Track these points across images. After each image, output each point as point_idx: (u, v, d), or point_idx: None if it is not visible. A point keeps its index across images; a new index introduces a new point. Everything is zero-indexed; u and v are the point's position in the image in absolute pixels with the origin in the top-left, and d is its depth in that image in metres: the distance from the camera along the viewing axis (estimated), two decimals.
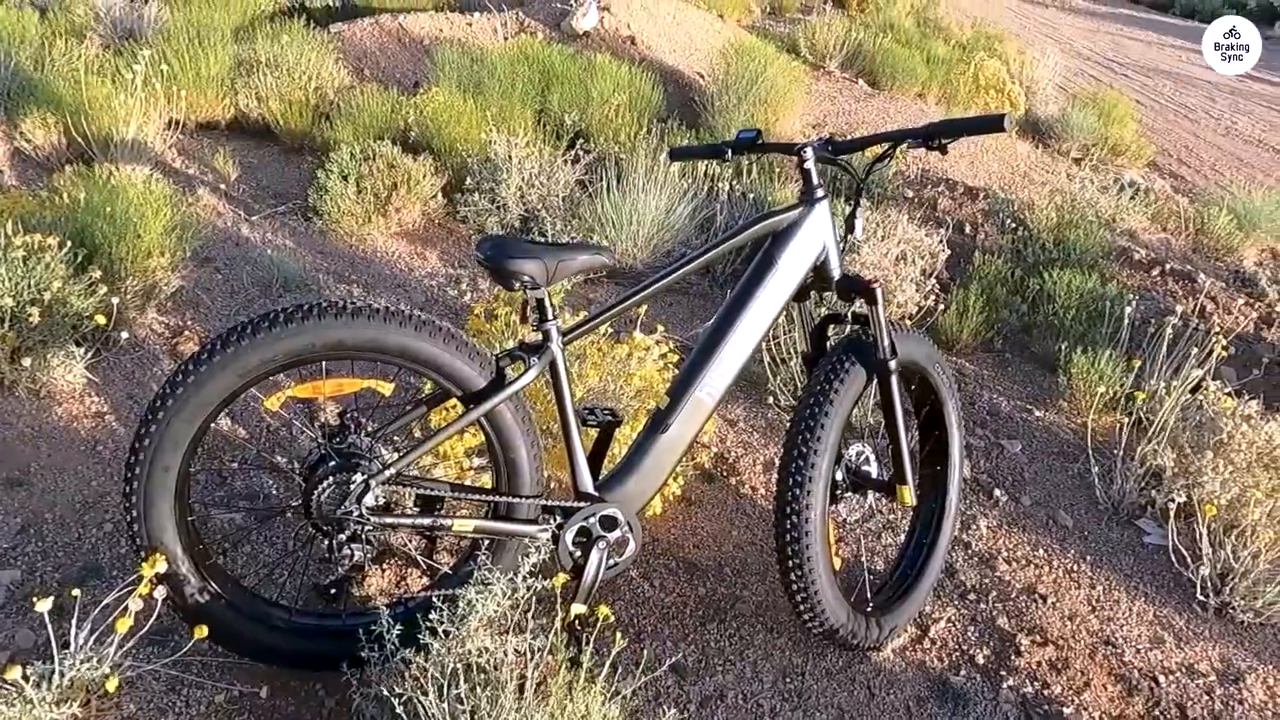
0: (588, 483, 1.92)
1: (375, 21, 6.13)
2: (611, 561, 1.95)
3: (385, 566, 2.21)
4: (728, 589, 2.37)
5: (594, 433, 2.01)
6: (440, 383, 1.79)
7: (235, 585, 1.85)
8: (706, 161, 4.41)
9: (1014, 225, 4.69)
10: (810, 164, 2.06)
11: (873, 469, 2.25)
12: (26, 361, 2.56)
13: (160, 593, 1.64)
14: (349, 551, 1.74)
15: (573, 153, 4.52)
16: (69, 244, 2.76)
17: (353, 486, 1.71)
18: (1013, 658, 2.26)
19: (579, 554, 1.92)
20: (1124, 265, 4.53)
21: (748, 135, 2.13)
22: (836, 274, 2.10)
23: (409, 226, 4.20)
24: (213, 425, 1.95)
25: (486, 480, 2.28)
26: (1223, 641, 2.41)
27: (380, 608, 1.72)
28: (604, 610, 1.67)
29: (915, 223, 4.13)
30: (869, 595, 2.28)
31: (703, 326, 2.84)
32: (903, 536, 2.49)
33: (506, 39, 6.12)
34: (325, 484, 1.71)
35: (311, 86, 4.93)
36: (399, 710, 1.52)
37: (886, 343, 2.05)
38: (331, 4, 6.99)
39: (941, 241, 4.00)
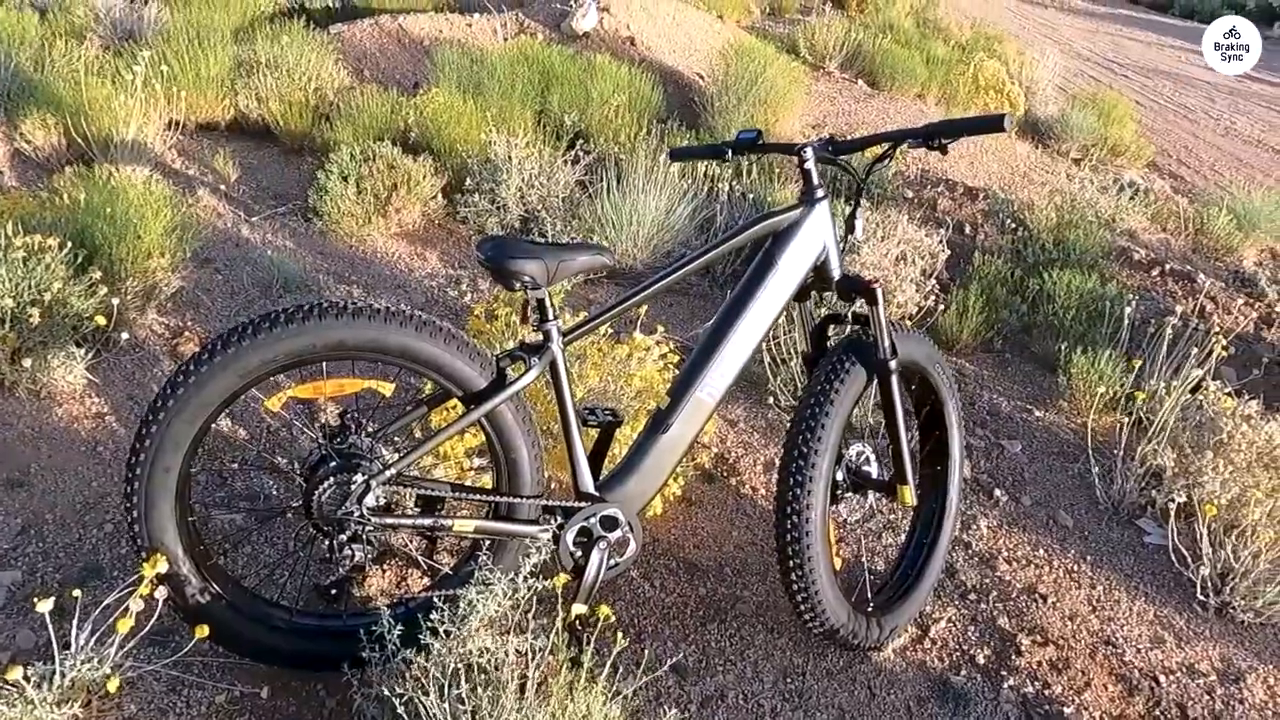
0: (588, 483, 1.92)
1: (375, 22, 6.13)
2: (612, 562, 1.95)
3: (386, 567, 2.21)
4: (728, 589, 2.37)
5: (594, 433, 2.01)
6: (441, 383, 1.79)
7: (236, 586, 1.85)
8: (706, 162, 4.42)
9: (1014, 225, 4.69)
10: (810, 164, 2.06)
11: (873, 469, 2.25)
12: (27, 362, 2.56)
13: (161, 593, 1.64)
14: (350, 552, 1.74)
15: (573, 153, 4.52)
16: (69, 245, 2.76)
17: (353, 487, 1.71)
18: (1013, 658, 2.26)
19: (580, 554, 1.92)
20: (1124, 265, 4.53)
21: (748, 136, 2.13)
22: (837, 274, 2.10)
23: (409, 227, 4.20)
24: (213, 426, 1.95)
25: (487, 481, 2.28)
26: (1223, 641, 2.41)
27: (381, 608, 1.71)
28: (605, 610, 1.67)
29: (915, 223, 4.13)
30: (869, 595, 2.28)
31: (703, 327, 2.84)
32: (903, 536, 2.49)
33: (506, 40, 6.12)
34: (326, 484, 1.71)
35: (311, 87, 4.93)
36: (400, 710, 1.52)
37: (887, 343, 2.05)
38: (331, 5, 6.99)
39: (941, 242, 4.00)
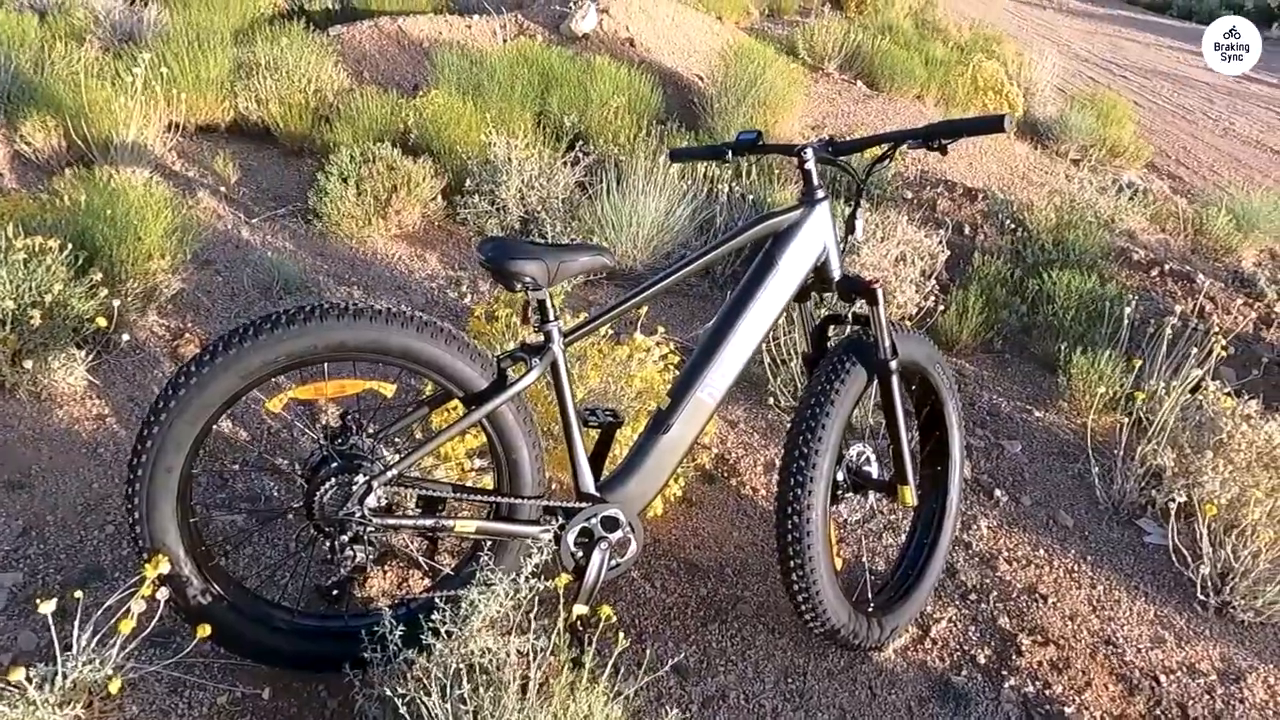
0: (589, 483, 1.93)
1: (374, 24, 6.14)
2: (613, 562, 1.95)
3: (387, 568, 2.21)
4: (729, 589, 2.37)
5: (595, 434, 2.01)
6: (442, 384, 1.80)
7: (237, 587, 1.85)
8: (706, 163, 4.42)
9: (1013, 226, 4.69)
10: (811, 165, 2.07)
11: (873, 469, 2.26)
12: (28, 364, 2.57)
13: (163, 594, 1.63)
14: (351, 553, 1.74)
15: (572, 154, 4.52)
16: (70, 247, 2.76)
17: (355, 488, 1.71)
18: (1014, 657, 2.26)
19: (581, 555, 1.92)
20: (1123, 266, 4.54)
21: (748, 136, 2.13)
22: (837, 275, 2.10)
23: (409, 229, 4.20)
24: (215, 427, 1.95)
25: (488, 481, 2.28)
26: (1223, 641, 2.41)
27: (383, 609, 1.71)
28: (606, 611, 1.67)
29: (915, 224, 4.14)
30: (870, 595, 2.29)
31: (703, 328, 2.84)
32: (903, 537, 2.50)
33: (506, 41, 6.12)
34: (327, 485, 1.71)
35: (311, 89, 4.93)
36: (402, 710, 1.52)
37: (887, 343, 2.05)
38: (330, 7, 6.99)
39: (941, 242, 4.00)
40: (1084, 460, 3.07)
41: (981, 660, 2.25)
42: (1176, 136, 8.32)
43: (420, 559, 2.22)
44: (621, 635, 1.65)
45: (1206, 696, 2.23)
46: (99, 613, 1.68)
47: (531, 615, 1.62)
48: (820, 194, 2.07)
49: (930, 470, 2.38)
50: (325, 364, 1.76)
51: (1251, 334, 3.93)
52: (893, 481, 2.17)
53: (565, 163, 4.42)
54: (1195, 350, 3.09)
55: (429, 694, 1.53)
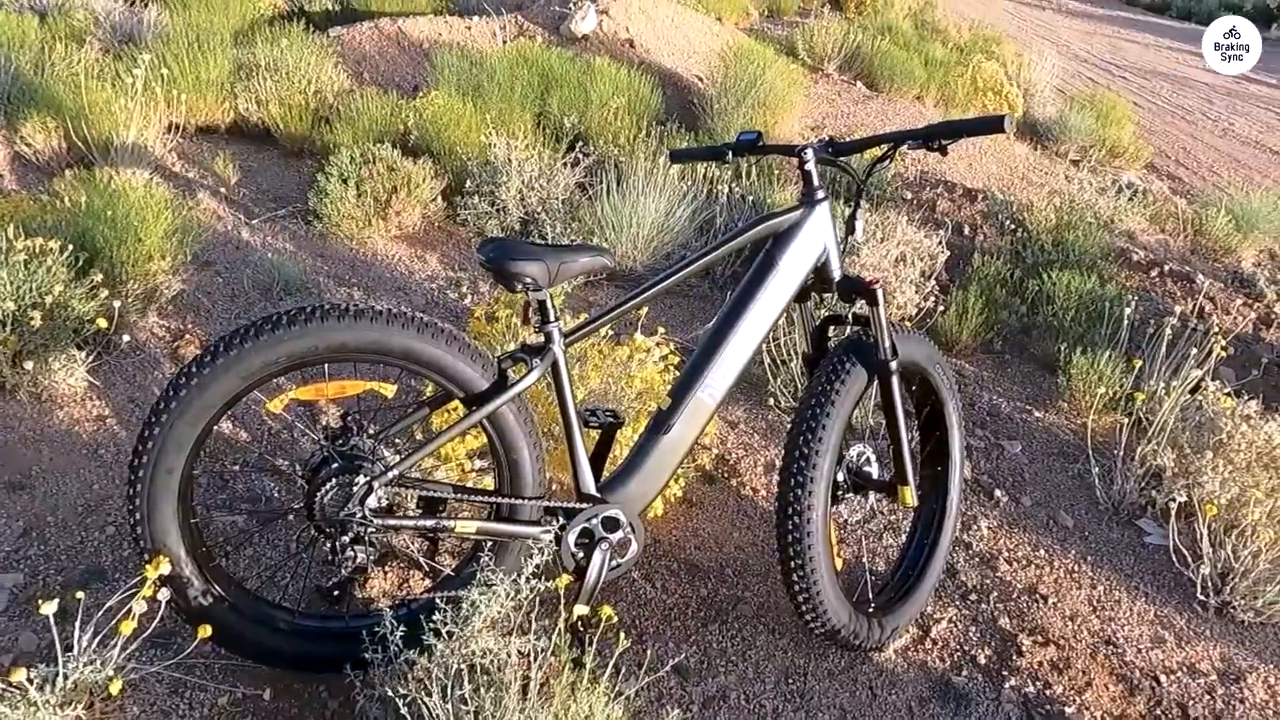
0: (590, 484, 1.93)
1: (374, 25, 6.14)
2: (614, 563, 1.95)
3: (388, 568, 2.21)
4: (730, 590, 2.37)
5: (595, 434, 2.01)
6: (443, 385, 1.80)
7: (238, 587, 1.85)
8: (706, 164, 4.42)
9: (1013, 227, 4.69)
10: (811, 165, 2.07)
11: (874, 470, 2.26)
12: (28, 365, 2.57)
13: (163, 595, 1.63)
14: (351, 553, 1.74)
15: (572, 155, 4.52)
16: (70, 248, 2.76)
17: (355, 488, 1.71)
18: (1014, 658, 2.26)
19: (581, 555, 1.92)
20: (1123, 266, 4.54)
21: (748, 137, 2.13)
22: (837, 275, 2.11)
23: (409, 229, 4.20)
24: (215, 428, 1.95)
25: (489, 482, 2.29)
26: (1223, 641, 2.42)
27: (384, 609, 1.72)
28: (607, 611, 1.67)
29: (914, 224, 4.14)
30: (870, 596, 2.29)
31: (703, 328, 2.84)
32: (904, 537, 2.50)
33: (506, 42, 6.13)
34: (328, 486, 1.71)
35: (311, 90, 4.94)
36: (403, 711, 1.52)
37: (887, 343, 2.05)
38: (330, 8, 7.00)
39: (941, 243, 4.00)
40: (1084, 460, 3.07)
41: (982, 660, 2.26)
42: (1176, 137, 8.33)
43: (421, 560, 2.22)
44: (622, 635, 1.65)
45: (1207, 696, 2.23)
46: (100, 613, 1.68)
47: (532, 616, 1.62)
48: (820, 194, 2.07)
49: (930, 471, 2.38)
50: (326, 365, 1.76)
51: (1251, 334, 3.93)
52: (893, 482, 2.17)
53: (565, 164, 4.43)
54: (1195, 350, 3.09)
55: (430, 694, 1.54)
